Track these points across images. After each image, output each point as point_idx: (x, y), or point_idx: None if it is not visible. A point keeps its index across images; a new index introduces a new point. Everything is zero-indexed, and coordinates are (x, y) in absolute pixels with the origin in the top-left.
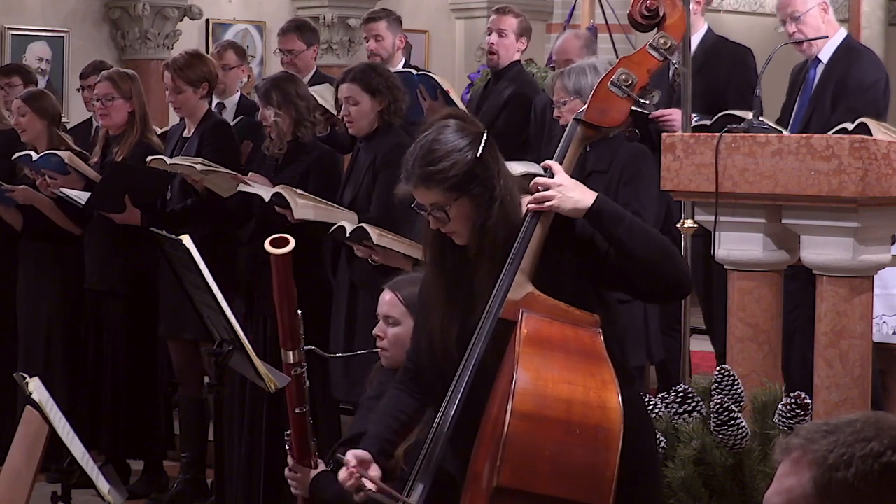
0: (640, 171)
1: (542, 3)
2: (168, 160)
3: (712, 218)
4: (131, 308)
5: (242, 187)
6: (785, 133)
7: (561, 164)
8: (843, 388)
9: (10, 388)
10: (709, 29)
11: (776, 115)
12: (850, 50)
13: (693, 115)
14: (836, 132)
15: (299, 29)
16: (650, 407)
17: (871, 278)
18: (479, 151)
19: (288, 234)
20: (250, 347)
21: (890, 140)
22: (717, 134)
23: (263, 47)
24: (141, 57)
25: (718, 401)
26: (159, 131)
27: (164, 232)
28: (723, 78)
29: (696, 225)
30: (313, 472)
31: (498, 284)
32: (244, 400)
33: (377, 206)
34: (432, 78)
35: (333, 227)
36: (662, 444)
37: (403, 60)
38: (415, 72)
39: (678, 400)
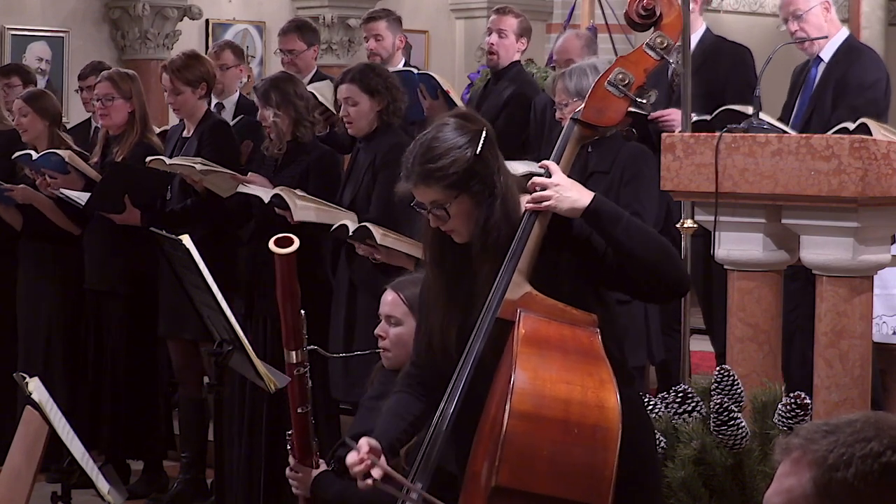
0: (641, 171)
1: (542, 3)
2: (167, 160)
3: (712, 218)
4: (131, 308)
5: (242, 188)
6: (786, 130)
7: (558, 163)
8: (843, 388)
9: (10, 388)
10: (707, 29)
11: (776, 115)
12: (851, 49)
13: (692, 114)
14: (836, 132)
15: (300, 29)
16: (650, 407)
17: (871, 278)
18: (479, 149)
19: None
20: (250, 347)
21: (890, 140)
22: (717, 134)
23: (263, 47)
24: (141, 57)
25: (718, 401)
26: (158, 130)
27: (164, 232)
28: (722, 78)
29: (695, 225)
30: (315, 472)
31: (495, 284)
32: (244, 400)
33: (377, 207)
34: (432, 77)
35: (335, 226)
36: (662, 444)
37: (403, 60)
38: (415, 71)
39: (678, 400)
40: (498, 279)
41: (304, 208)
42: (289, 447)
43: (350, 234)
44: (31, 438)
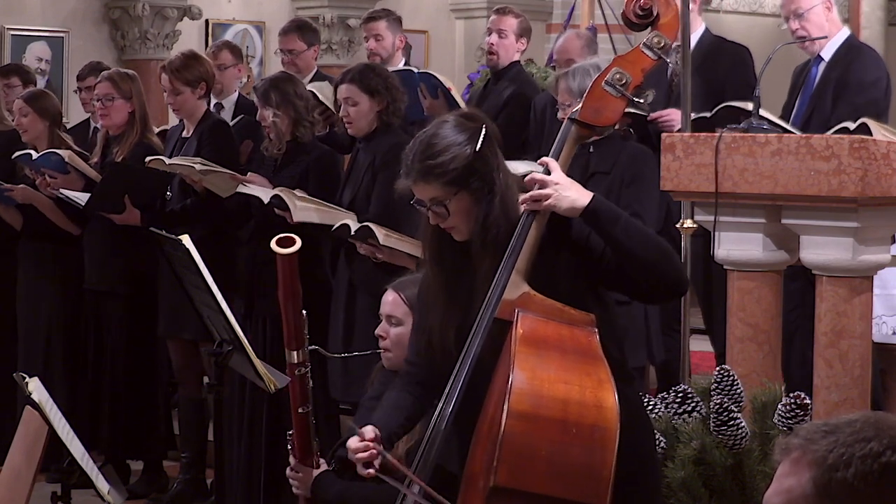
0: (643, 173)
1: (541, 3)
2: (167, 160)
3: (712, 218)
4: (131, 308)
5: (241, 188)
6: (786, 126)
7: None
8: (843, 388)
9: (10, 388)
10: (706, 29)
11: (776, 116)
12: (851, 48)
13: (692, 113)
14: (837, 131)
15: (300, 29)
16: (650, 407)
17: (871, 278)
18: (478, 146)
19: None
20: (250, 347)
21: (890, 140)
22: (717, 134)
23: (263, 47)
24: (141, 57)
25: (718, 401)
26: (157, 129)
27: (164, 232)
28: (721, 77)
29: (695, 225)
30: (315, 472)
31: (493, 284)
32: (244, 400)
33: (376, 207)
34: (433, 76)
35: (337, 225)
36: (662, 444)
37: (403, 60)
38: (416, 70)
39: (678, 400)
40: (496, 279)
41: (303, 209)
42: (289, 447)
43: (352, 233)
44: (31, 438)
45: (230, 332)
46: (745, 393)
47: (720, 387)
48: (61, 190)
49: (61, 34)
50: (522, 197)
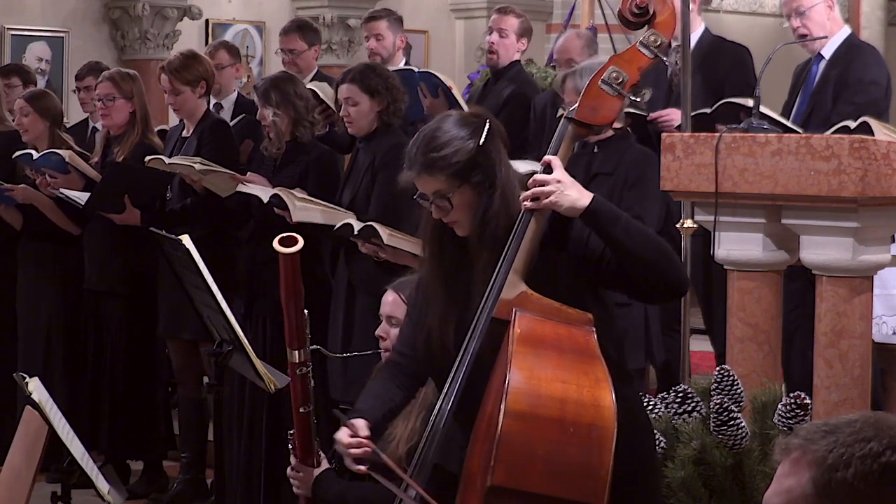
0: (646, 175)
1: (542, 3)
2: (166, 160)
3: (712, 218)
4: (131, 308)
5: (241, 188)
6: (786, 123)
7: None
8: (843, 388)
9: (10, 388)
10: (706, 29)
11: (776, 114)
12: (852, 47)
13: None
14: (837, 130)
15: (301, 29)
16: (650, 407)
17: (871, 278)
18: (482, 139)
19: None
20: (250, 347)
21: (890, 140)
22: (717, 134)
23: (263, 47)
24: (141, 57)
25: (718, 401)
26: (157, 128)
27: (164, 232)
28: (721, 77)
29: (695, 225)
30: (316, 472)
31: (491, 284)
32: (244, 400)
33: (376, 207)
34: (433, 75)
35: (339, 225)
36: (662, 444)
37: (404, 60)
38: (416, 69)
39: (678, 400)
40: (493, 279)
41: (303, 209)
42: (290, 447)
43: (356, 232)
44: (31, 438)
45: (230, 332)
46: (745, 393)
47: (720, 387)
48: (61, 190)
49: (61, 34)
50: (524, 194)
